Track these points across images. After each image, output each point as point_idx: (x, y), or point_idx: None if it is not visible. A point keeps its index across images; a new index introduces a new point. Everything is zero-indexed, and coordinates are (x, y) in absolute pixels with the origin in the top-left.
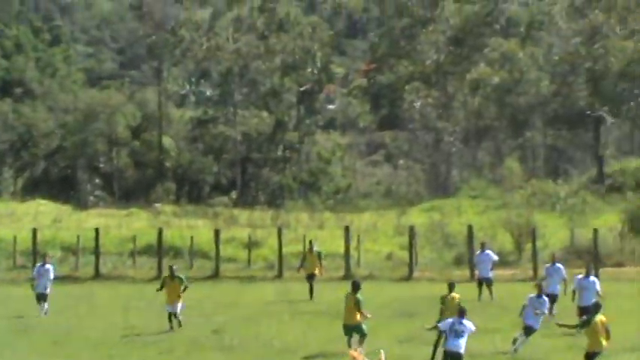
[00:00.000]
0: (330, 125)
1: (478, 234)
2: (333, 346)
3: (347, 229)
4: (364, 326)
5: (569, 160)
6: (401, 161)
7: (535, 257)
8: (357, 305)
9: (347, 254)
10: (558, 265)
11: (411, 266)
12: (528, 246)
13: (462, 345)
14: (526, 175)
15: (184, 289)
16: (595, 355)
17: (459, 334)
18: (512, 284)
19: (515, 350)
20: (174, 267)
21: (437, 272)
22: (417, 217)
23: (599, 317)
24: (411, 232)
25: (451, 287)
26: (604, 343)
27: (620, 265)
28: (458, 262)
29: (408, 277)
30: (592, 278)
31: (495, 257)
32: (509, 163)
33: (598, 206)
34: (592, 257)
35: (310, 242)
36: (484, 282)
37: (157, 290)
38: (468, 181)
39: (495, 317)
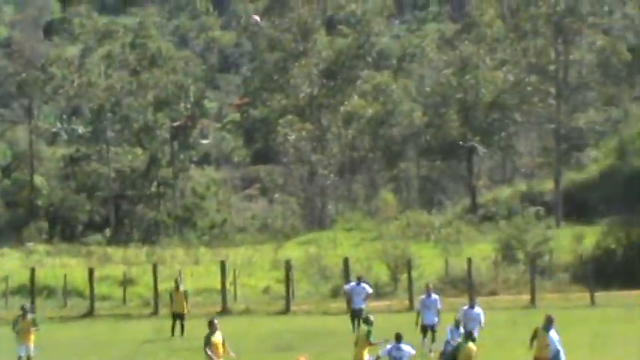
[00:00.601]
0: (204, 160)
1: (354, 266)
2: None
3: (223, 263)
4: None
5: (443, 190)
6: (276, 195)
7: (411, 288)
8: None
9: (223, 289)
10: (434, 296)
11: (287, 300)
12: (404, 276)
13: None
14: (401, 206)
15: (36, 330)
16: None
17: None
18: (389, 315)
19: None
20: (26, 306)
21: (314, 305)
22: (293, 250)
23: (470, 344)
24: (288, 265)
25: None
26: None
27: (494, 293)
28: (334, 294)
29: (285, 311)
30: (477, 309)
31: (370, 290)
32: (383, 194)
33: (472, 236)
34: (467, 286)
35: (176, 281)
36: (357, 313)
37: (16, 332)
38: (343, 214)
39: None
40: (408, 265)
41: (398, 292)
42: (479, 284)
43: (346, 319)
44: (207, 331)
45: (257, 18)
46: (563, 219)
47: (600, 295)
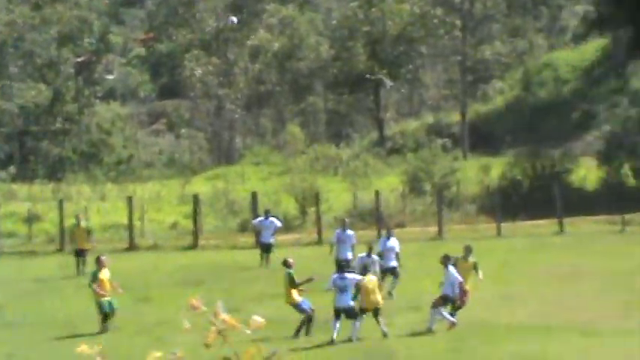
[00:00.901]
0: (109, 95)
1: (262, 200)
2: (116, 319)
3: (130, 199)
4: (101, 303)
5: (351, 123)
6: (183, 130)
7: (319, 221)
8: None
9: (130, 225)
10: (349, 232)
11: (195, 234)
12: (312, 210)
13: (349, 299)
14: (308, 140)
15: None
16: (367, 311)
17: (343, 289)
18: (298, 248)
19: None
20: None
21: (222, 239)
22: (200, 185)
23: (368, 278)
24: (195, 200)
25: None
26: (379, 300)
27: (401, 225)
28: (242, 228)
29: (193, 246)
30: (392, 240)
31: (279, 224)
32: (291, 128)
33: (379, 168)
34: (375, 219)
35: (77, 217)
36: (266, 248)
37: None
38: (250, 148)
39: (279, 282)
40: (316, 199)
41: (306, 226)
42: (387, 216)
43: (254, 253)
44: (95, 267)
45: (234, 19)
46: (469, 150)
47: (506, 226)
